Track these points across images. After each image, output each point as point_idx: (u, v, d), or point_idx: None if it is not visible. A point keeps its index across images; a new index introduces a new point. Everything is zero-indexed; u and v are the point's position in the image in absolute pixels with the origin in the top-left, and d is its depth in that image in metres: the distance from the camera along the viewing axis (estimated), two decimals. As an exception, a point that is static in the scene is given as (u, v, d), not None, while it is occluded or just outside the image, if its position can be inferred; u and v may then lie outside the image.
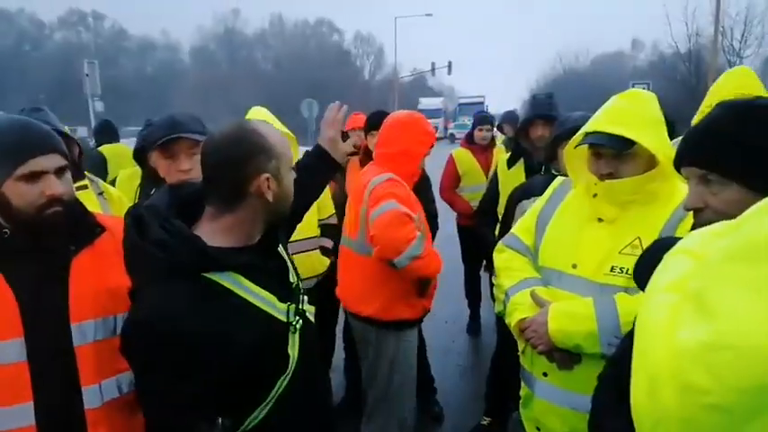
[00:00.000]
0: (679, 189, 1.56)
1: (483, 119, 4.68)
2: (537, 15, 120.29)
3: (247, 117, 2.81)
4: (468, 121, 38.83)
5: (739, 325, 0.45)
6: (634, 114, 1.50)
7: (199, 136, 1.76)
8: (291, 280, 1.38)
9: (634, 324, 1.20)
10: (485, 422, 3.22)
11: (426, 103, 41.27)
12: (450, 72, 36.42)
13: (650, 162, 1.52)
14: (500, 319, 2.86)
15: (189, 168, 1.76)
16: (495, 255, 1.86)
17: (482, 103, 41.79)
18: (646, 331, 0.57)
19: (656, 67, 32.28)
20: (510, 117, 5.92)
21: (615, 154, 1.51)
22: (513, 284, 1.67)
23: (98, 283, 1.32)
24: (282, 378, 1.28)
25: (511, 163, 3.17)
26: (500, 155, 3.40)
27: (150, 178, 2.75)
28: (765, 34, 22.55)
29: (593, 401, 1.30)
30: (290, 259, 1.43)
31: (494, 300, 2.86)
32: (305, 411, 1.35)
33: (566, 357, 1.50)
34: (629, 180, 1.51)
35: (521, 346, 1.69)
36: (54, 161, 1.28)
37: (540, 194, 2.10)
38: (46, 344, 1.24)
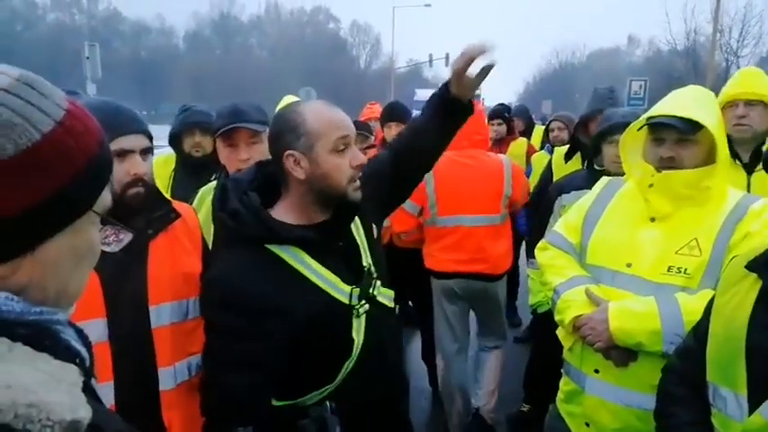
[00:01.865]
0: (728, 191, 1.58)
1: (494, 112, 4.63)
2: (534, 9, 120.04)
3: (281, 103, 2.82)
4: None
5: None
6: (699, 102, 1.54)
7: (259, 126, 1.76)
8: (364, 263, 1.40)
9: (704, 316, 1.23)
10: (524, 408, 3.26)
11: (422, 94, 40.95)
12: (447, 64, 36.31)
13: (708, 157, 1.54)
14: (535, 311, 2.89)
15: (248, 158, 1.76)
16: (537, 252, 1.87)
17: (478, 95, 41.67)
18: None
19: (653, 63, 32.41)
20: (521, 111, 5.86)
21: (678, 139, 1.53)
22: (563, 282, 1.67)
23: (173, 267, 1.35)
24: (347, 363, 1.32)
25: (568, 157, 3.16)
26: (557, 151, 3.33)
27: (186, 163, 2.76)
28: (763, 34, 22.73)
29: (660, 391, 1.33)
30: (370, 241, 1.44)
31: (529, 292, 2.90)
32: (366, 400, 1.37)
33: (624, 355, 1.51)
34: (687, 171, 1.52)
35: (568, 342, 1.71)
36: (141, 141, 1.32)
37: (580, 189, 2.11)
38: (126, 325, 1.26)
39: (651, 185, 1.57)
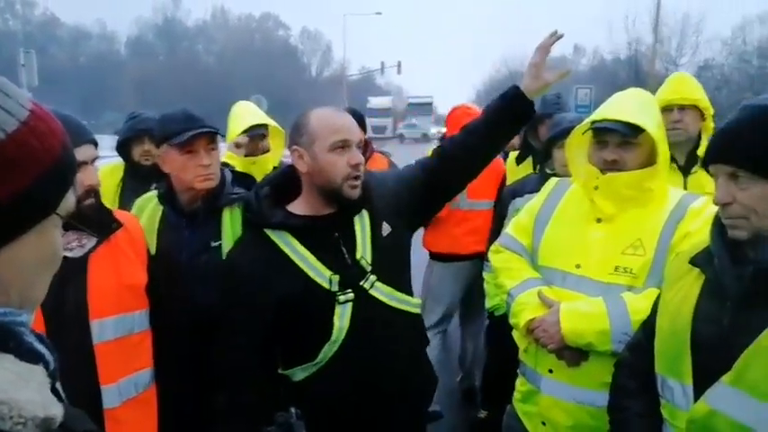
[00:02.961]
0: (669, 191, 1.65)
1: None
2: (483, 19, 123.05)
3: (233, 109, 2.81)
4: (417, 121, 39.31)
5: None
6: (640, 106, 1.60)
7: (215, 130, 1.72)
8: (358, 256, 1.48)
9: (651, 312, 1.29)
10: (482, 415, 3.28)
11: (375, 102, 41.39)
12: (399, 72, 36.68)
13: (649, 159, 1.60)
14: (492, 314, 2.92)
15: (209, 163, 1.72)
16: (491, 255, 1.90)
17: (431, 103, 42.31)
18: None
19: (597, 72, 33.76)
20: None
21: (621, 142, 1.59)
22: (517, 284, 1.71)
23: (117, 279, 1.30)
24: (328, 346, 1.44)
25: (520, 160, 3.24)
26: (509, 155, 3.41)
27: (135, 171, 2.66)
28: (700, 43, 24.05)
29: (612, 385, 1.38)
30: (374, 238, 1.51)
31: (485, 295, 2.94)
32: (355, 389, 1.46)
33: (575, 355, 1.55)
34: (629, 174, 1.58)
35: (523, 344, 1.74)
36: (91, 152, 1.30)
37: (532, 193, 2.16)
38: (66, 341, 1.19)
39: (596, 187, 1.63)
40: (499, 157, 3.19)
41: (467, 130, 1.61)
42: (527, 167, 3.11)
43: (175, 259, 1.73)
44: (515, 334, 1.78)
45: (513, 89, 1.55)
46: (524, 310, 1.64)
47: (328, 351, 1.45)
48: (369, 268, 1.48)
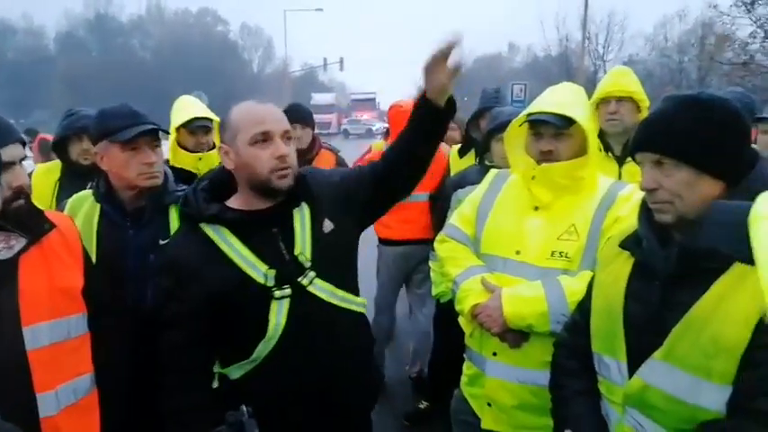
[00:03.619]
0: (599, 179, 1.74)
1: None
2: (423, 16, 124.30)
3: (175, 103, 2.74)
4: (360, 116, 39.32)
5: None
6: (572, 99, 1.68)
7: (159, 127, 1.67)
8: (297, 251, 1.44)
9: (587, 294, 1.36)
10: (422, 406, 3.33)
11: (319, 98, 41.06)
12: (342, 68, 36.53)
13: (582, 149, 1.69)
14: (438, 301, 2.98)
15: (154, 161, 1.67)
16: (437, 244, 1.95)
17: (374, 99, 42.39)
18: None
19: (531, 68, 34.86)
20: None
21: (555, 133, 1.66)
22: (461, 272, 1.76)
23: (49, 282, 1.23)
24: (263, 343, 1.41)
25: (462, 153, 3.29)
26: (452, 148, 3.49)
27: (73, 171, 2.53)
28: (625, 40, 25.21)
29: (553, 365, 1.44)
30: (315, 234, 1.47)
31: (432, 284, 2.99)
32: (295, 389, 1.43)
33: (517, 337, 1.62)
34: (563, 163, 1.66)
35: (469, 329, 1.80)
36: (18, 151, 1.23)
37: (474, 184, 2.23)
38: None
39: (533, 177, 1.70)
40: (441, 150, 3.31)
41: (399, 136, 1.57)
42: (470, 159, 3.17)
43: (120, 259, 1.68)
44: (461, 320, 1.84)
45: (420, 95, 1.49)
46: (468, 297, 1.69)
47: (263, 349, 1.42)
48: (307, 264, 1.45)
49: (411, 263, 3.45)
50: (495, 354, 1.70)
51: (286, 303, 1.42)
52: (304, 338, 1.43)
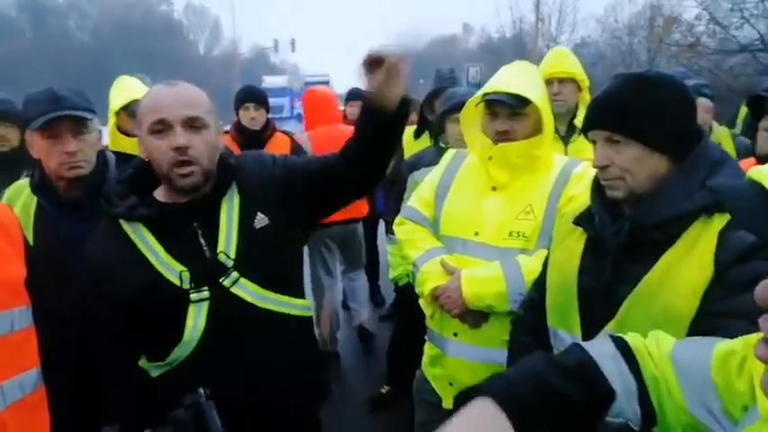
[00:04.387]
0: (554, 158, 1.77)
1: (353, 94, 4.73)
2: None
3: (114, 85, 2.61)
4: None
5: None
6: (527, 79, 1.69)
7: (87, 113, 1.56)
8: (219, 249, 1.32)
9: (542, 271, 1.39)
10: (384, 390, 3.35)
11: (271, 81, 39.95)
12: (293, 50, 35.79)
13: (536, 128, 1.70)
14: (396, 284, 2.99)
15: (75, 150, 1.57)
16: (395, 227, 1.94)
17: (328, 81, 41.77)
18: None
19: (486, 49, 35.12)
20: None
21: (510, 113, 1.67)
22: (421, 255, 1.76)
23: None
24: (179, 348, 1.31)
25: (417, 134, 3.28)
26: (406, 130, 3.51)
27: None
28: (577, 22, 25.61)
29: (510, 342, 1.47)
30: (243, 230, 1.34)
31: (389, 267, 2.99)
32: (217, 394, 1.23)
33: (477, 317, 1.64)
34: (519, 143, 1.68)
35: (429, 311, 1.81)
36: None
37: (430, 165, 2.23)
38: None
39: (490, 158, 1.71)
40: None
41: (354, 136, 1.37)
42: (425, 141, 3.18)
43: (57, 252, 1.59)
44: (422, 302, 1.85)
45: (364, 105, 1.32)
46: (428, 279, 1.70)
47: (179, 354, 1.32)
48: (230, 263, 1.32)
49: (338, 243, 3.74)
50: (455, 334, 1.72)
51: (205, 306, 1.30)
52: (226, 343, 1.31)
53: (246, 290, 1.33)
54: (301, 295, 1.48)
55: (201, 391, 1.16)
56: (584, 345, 0.87)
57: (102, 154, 1.71)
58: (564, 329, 1.28)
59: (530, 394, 0.74)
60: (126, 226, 1.33)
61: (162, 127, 1.25)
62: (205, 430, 1.14)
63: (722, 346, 0.81)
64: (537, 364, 0.81)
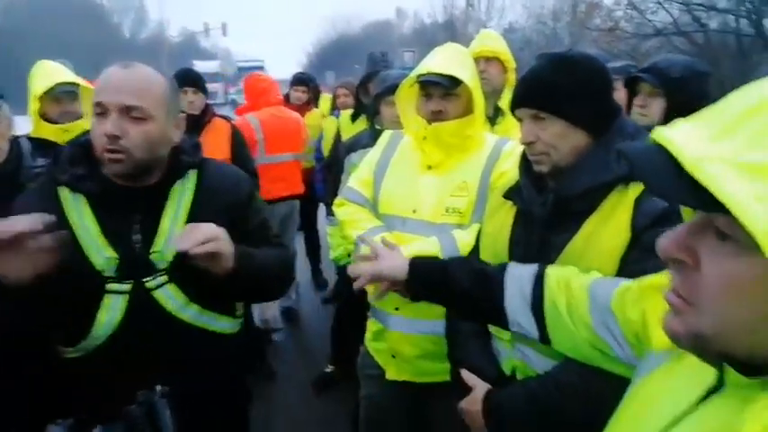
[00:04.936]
0: (486, 138, 1.85)
1: (298, 79, 4.71)
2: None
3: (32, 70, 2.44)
4: (249, 85, 37.70)
5: None
6: (459, 60, 1.75)
7: None
8: (155, 249, 1.27)
9: (476, 244, 1.46)
10: (329, 369, 3.39)
11: (202, 66, 38.50)
12: (225, 33, 34.68)
13: (468, 109, 1.77)
14: (338, 265, 3.02)
15: None
16: (335, 208, 1.97)
17: (262, 67, 40.82)
18: None
19: (420, 34, 35.39)
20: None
21: (443, 93, 1.73)
22: (362, 234, 1.80)
23: None
24: (84, 341, 1.24)
25: (354, 118, 3.31)
26: (343, 114, 3.57)
27: None
28: (506, 7, 26.27)
29: (448, 312, 1.54)
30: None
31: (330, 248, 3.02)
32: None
33: (417, 291, 1.69)
34: (452, 123, 1.74)
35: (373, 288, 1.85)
36: None
37: (366, 147, 2.26)
38: None
39: (425, 137, 1.76)
40: (296, 115, 4.05)
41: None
42: (362, 124, 3.21)
43: None
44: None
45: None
46: (370, 257, 1.73)
47: (86, 346, 1.26)
48: (162, 265, 1.27)
49: (279, 220, 3.80)
50: (396, 309, 1.77)
51: (123, 300, 1.25)
52: (139, 352, 1.24)
53: (170, 296, 1.30)
54: (232, 314, 1.44)
55: (158, 388, 1.14)
56: (510, 265, 1.22)
57: (15, 142, 1.63)
58: (497, 298, 1.35)
59: (438, 277, 1.23)
60: (66, 193, 1.26)
61: (100, 110, 1.20)
62: (157, 428, 1.13)
63: (623, 284, 1.00)
64: (469, 262, 1.29)
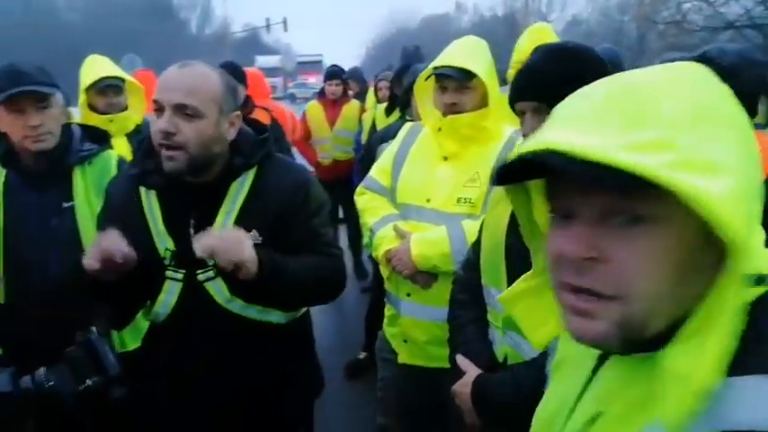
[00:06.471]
0: (504, 129, 1.87)
1: (332, 73, 4.79)
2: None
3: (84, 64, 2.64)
4: (307, 79, 38.48)
5: None
6: (474, 53, 1.78)
7: (47, 88, 1.64)
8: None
9: (479, 233, 1.49)
10: (361, 356, 3.49)
11: (263, 61, 39.63)
12: (285, 29, 35.44)
13: (483, 101, 1.79)
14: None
15: (38, 124, 1.64)
16: (357, 197, 2.05)
17: (320, 61, 41.46)
18: None
19: (478, 28, 34.91)
20: (355, 74, 6.06)
21: (458, 86, 1.76)
22: (377, 221, 1.88)
23: None
24: (144, 316, 1.44)
25: (389, 111, 3.38)
26: (378, 106, 3.61)
27: None
28: (567, 0, 25.52)
29: (450, 299, 1.58)
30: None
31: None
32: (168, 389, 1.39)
33: (426, 278, 1.76)
34: (466, 115, 1.77)
35: (386, 273, 1.92)
36: None
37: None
38: None
39: (440, 129, 1.81)
40: (294, 113, 4.23)
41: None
42: (396, 116, 3.27)
43: (26, 225, 1.68)
44: (380, 265, 1.96)
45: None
46: (383, 243, 1.81)
47: (144, 324, 1.44)
48: (212, 261, 1.31)
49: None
50: (408, 295, 1.83)
51: (178, 288, 1.38)
52: (192, 331, 1.38)
53: (218, 289, 1.38)
54: (282, 307, 1.48)
55: (94, 328, 1.24)
56: None
57: (67, 127, 1.79)
58: (494, 286, 1.39)
59: None
60: (143, 189, 1.41)
61: (157, 107, 1.28)
62: (100, 366, 1.22)
63: None
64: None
